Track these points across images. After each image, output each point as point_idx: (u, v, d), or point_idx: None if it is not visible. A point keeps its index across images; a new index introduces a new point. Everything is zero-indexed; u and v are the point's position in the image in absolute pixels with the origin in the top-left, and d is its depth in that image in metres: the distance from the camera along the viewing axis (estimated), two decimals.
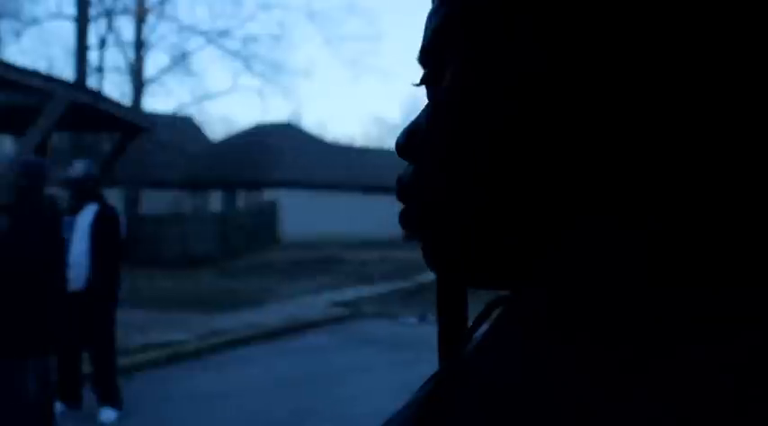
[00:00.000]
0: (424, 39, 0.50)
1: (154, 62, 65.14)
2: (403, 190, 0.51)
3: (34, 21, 35.22)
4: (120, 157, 13.16)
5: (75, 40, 21.82)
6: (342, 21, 67.96)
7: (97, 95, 9.95)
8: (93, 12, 22.46)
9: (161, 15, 29.78)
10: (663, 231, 0.39)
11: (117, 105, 10.40)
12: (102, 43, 23.62)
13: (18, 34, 39.67)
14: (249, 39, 33.15)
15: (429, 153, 0.48)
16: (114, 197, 22.10)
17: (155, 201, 25.73)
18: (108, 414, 6.07)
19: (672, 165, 0.39)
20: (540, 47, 0.42)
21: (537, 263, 0.44)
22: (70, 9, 34.91)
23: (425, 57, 0.50)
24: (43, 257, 4.91)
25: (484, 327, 0.50)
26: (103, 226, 6.13)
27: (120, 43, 31.83)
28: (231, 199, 28.18)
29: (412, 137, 0.51)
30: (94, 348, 6.21)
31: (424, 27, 0.51)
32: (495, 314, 0.50)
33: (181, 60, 25.56)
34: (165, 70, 26.91)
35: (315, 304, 12.66)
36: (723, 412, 0.31)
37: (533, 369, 0.39)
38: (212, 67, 59.95)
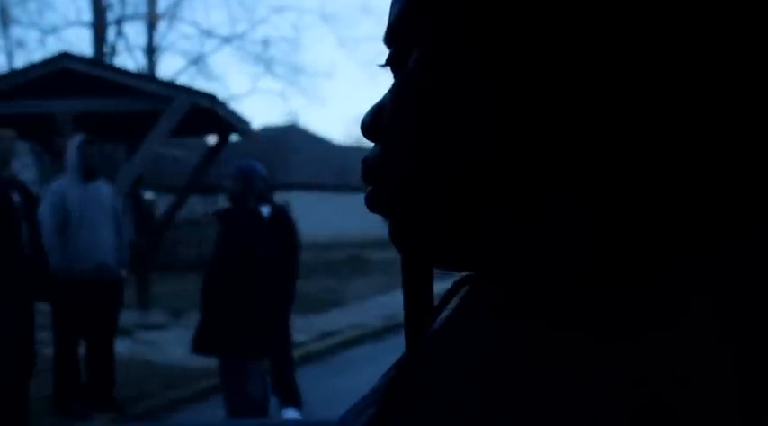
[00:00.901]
0: (389, 20, 0.51)
1: (167, 67, 64.61)
2: (369, 171, 0.51)
3: (53, 29, 34.79)
4: (214, 160, 13.11)
5: (92, 47, 21.62)
6: (355, 22, 67.51)
7: (214, 99, 9.94)
8: (93, 19, 22.25)
9: (173, 19, 29.55)
10: (601, 225, 0.41)
11: (225, 107, 10.41)
12: (113, 50, 23.38)
13: (42, 42, 39.32)
14: (267, 42, 32.93)
15: (394, 134, 0.48)
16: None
17: (166, 205, 25.51)
18: (292, 416, 6.10)
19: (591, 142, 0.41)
20: (506, 28, 0.42)
21: (500, 246, 0.45)
22: (85, 16, 34.56)
23: (391, 38, 0.51)
24: (266, 260, 4.99)
25: (450, 306, 0.52)
26: (281, 228, 6.16)
27: (129, 48, 31.61)
28: (182, 205, 27.99)
29: (377, 118, 0.51)
30: (277, 351, 6.24)
31: (390, 6, 0.51)
32: (460, 293, 0.52)
33: (195, 63, 25.30)
34: (178, 74, 26.64)
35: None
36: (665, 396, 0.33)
37: (495, 350, 0.41)
38: (229, 71, 59.14)
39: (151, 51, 23.93)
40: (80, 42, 40.58)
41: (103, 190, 6.14)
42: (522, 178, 0.43)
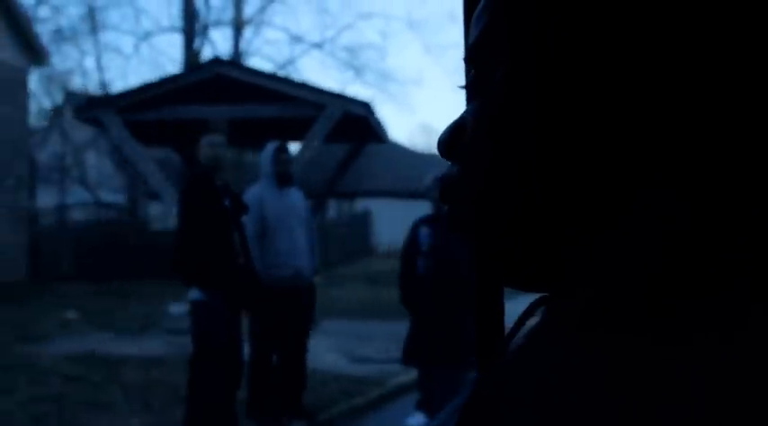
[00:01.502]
0: (470, 39, 0.50)
1: None
2: (447, 190, 0.51)
3: (147, 35, 35.36)
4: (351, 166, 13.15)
5: (183, 53, 21.86)
6: (442, 29, 67.52)
7: (368, 107, 9.96)
8: (184, 25, 22.50)
9: (260, 25, 29.82)
10: (685, 241, 0.41)
11: (375, 115, 10.43)
12: (197, 55, 23.61)
13: (137, 48, 40.14)
14: (354, 49, 32.89)
15: (475, 154, 0.48)
16: None
17: None
18: (418, 420, 5.98)
19: (701, 176, 0.41)
20: (584, 50, 0.43)
21: (576, 266, 0.45)
22: (177, 22, 35.02)
23: (473, 58, 0.50)
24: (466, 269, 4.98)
25: (527, 326, 0.51)
26: None
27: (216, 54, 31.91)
28: (322, 209, 28.13)
29: (455, 137, 0.50)
30: None
31: (471, 26, 0.51)
32: (537, 314, 0.51)
33: (283, 68, 25.45)
34: None
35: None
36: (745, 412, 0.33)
37: (573, 369, 0.40)
38: (316, 77, 58.72)
39: (237, 57, 24.12)
40: (170, 48, 41.31)
41: (296, 196, 6.15)
42: (599, 197, 0.44)
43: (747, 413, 0.33)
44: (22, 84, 17.90)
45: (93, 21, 23.14)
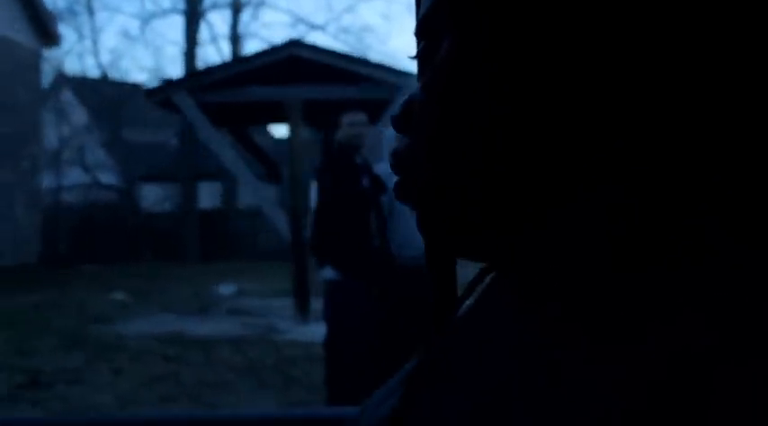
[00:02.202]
0: (420, 13, 0.52)
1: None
2: (398, 162, 0.52)
3: (152, 15, 34.77)
4: None
5: (185, 35, 21.68)
6: None
7: None
8: (186, 7, 22.31)
9: (259, 6, 29.55)
10: (626, 216, 0.42)
11: None
12: (192, 39, 23.43)
13: (142, 31, 39.39)
14: (358, 31, 32.28)
15: (423, 126, 0.49)
16: (214, 191, 22.02)
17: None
18: None
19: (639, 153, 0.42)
20: (534, 23, 0.43)
21: (523, 238, 0.46)
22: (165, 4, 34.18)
23: (421, 31, 0.52)
24: None
25: (474, 295, 0.53)
26: None
27: (214, 37, 31.56)
28: None
29: (407, 111, 0.51)
30: None
31: (420, 1, 0.52)
32: (485, 281, 0.53)
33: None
34: None
35: None
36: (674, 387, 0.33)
37: (519, 337, 0.41)
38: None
39: (235, 39, 23.98)
40: (172, 31, 40.51)
41: None
42: (548, 166, 0.44)
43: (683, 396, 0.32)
44: (35, 66, 17.68)
45: (88, 2, 22.76)
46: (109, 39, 45.20)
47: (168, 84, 9.82)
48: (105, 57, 41.64)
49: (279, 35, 50.28)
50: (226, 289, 10.79)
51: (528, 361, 0.39)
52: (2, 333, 8.42)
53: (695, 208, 0.40)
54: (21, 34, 16.71)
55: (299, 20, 35.02)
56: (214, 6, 24.53)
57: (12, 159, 16.48)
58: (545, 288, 0.43)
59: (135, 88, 24.76)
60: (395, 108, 0.52)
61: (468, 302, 0.53)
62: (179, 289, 12.25)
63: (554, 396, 0.36)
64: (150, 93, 9.38)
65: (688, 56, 0.40)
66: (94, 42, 28.41)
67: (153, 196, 25.27)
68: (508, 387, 0.38)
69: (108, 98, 23.40)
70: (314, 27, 32.38)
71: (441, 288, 0.59)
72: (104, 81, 24.92)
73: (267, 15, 61.81)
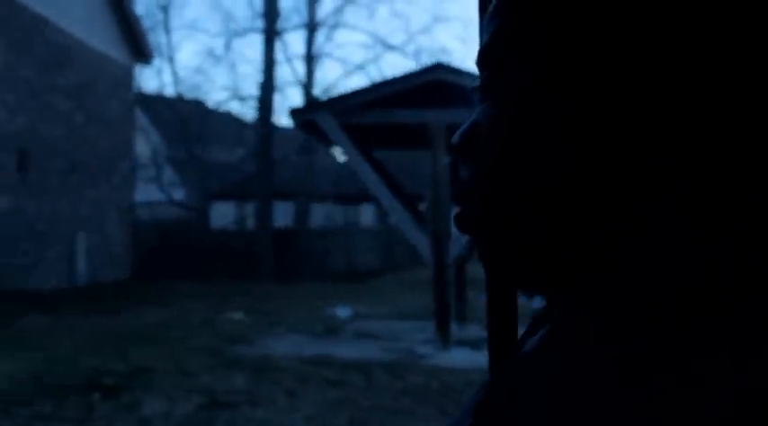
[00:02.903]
0: (481, 44, 0.51)
1: (328, 74, 63.11)
2: (459, 192, 0.51)
3: (234, 34, 34.95)
4: None
5: (263, 54, 21.81)
6: None
7: None
8: (265, 26, 22.46)
9: (334, 27, 29.81)
10: (705, 260, 0.41)
11: None
12: (270, 58, 23.59)
13: (228, 47, 39.40)
14: (434, 52, 32.53)
15: (489, 156, 0.48)
16: (285, 210, 22.07)
17: (312, 215, 25.67)
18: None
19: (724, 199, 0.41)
20: (600, 54, 0.43)
21: (589, 275, 0.45)
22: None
23: (483, 61, 0.51)
24: None
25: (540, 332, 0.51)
26: None
27: (288, 58, 31.81)
28: (385, 213, 28.14)
29: (469, 139, 0.50)
30: None
31: (482, 29, 0.51)
32: (553, 315, 0.50)
33: (362, 69, 25.41)
34: (334, 84, 26.78)
35: None
36: None
37: (586, 371, 0.40)
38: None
39: (310, 59, 24.10)
40: (247, 49, 40.29)
41: None
42: (616, 203, 0.44)
43: None
44: (128, 81, 17.83)
45: (165, 20, 23.02)
46: (184, 58, 45.67)
47: (312, 105, 9.80)
48: (180, 76, 41.84)
49: (354, 55, 50.56)
50: (342, 312, 10.70)
51: (602, 396, 0.38)
52: (152, 351, 8.38)
53: None
54: (114, 50, 16.85)
55: (377, 40, 35.28)
56: (290, 26, 24.57)
57: (106, 175, 16.57)
58: (622, 323, 0.42)
59: (198, 105, 24.95)
60: (455, 136, 0.52)
61: (537, 335, 0.51)
62: (290, 310, 12.18)
63: (647, 418, 0.36)
64: (294, 113, 9.35)
65: (752, 82, 0.41)
66: (170, 60, 28.53)
67: (224, 214, 25.42)
68: (592, 414, 0.38)
69: (181, 116, 23.57)
70: (391, 47, 32.53)
71: (501, 321, 0.57)
72: (179, 99, 25.10)
73: (342, 36, 62.12)
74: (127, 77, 17.60)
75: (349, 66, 36.33)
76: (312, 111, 9.28)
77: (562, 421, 0.39)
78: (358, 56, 48.09)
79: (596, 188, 0.44)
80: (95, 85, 16.07)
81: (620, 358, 0.39)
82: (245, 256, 20.81)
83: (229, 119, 25.85)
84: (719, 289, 0.39)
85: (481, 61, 0.51)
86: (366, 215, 28.76)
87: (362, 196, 28.59)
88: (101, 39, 16.16)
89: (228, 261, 20.64)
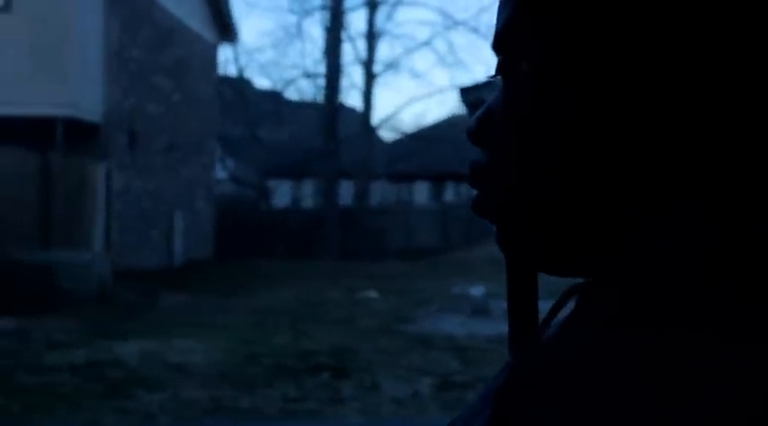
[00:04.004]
0: (497, 27, 0.51)
1: (389, 52, 61.44)
2: (476, 176, 0.52)
3: (308, 12, 34.17)
4: None
5: (326, 34, 21.76)
6: None
7: None
8: (332, 5, 22.38)
9: (396, 5, 29.64)
10: (727, 239, 0.41)
11: None
12: (336, 37, 23.48)
13: (299, 29, 38.18)
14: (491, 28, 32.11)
15: (504, 141, 0.49)
16: (345, 190, 22.09)
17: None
18: None
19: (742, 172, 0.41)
20: (614, 37, 0.43)
21: (610, 255, 0.46)
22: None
23: (499, 46, 0.51)
24: None
25: (560, 315, 0.52)
26: None
27: (350, 37, 31.57)
28: (439, 191, 28.15)
29: (484, 124, 0.51)
30: None
31: (496, 14, 0.51)
32: (570, 302, 0.51)
33: (412, 52, 25.29)
34: (393, 63, 26.70)
35: None
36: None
37: (608, 358, 0.41)
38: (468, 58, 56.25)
39: (371, 37, 24.02)
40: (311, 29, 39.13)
41: None
42: (632, 188, 0.44)
43: None
44: (215, 61, 17.82)
45: None
46: (248, 37, 44.72)
47: (483, 83, 9.74)
48: (245, 56, 41.33)
49: (416, 32, 49.55)
50: (476, 290, 10.74)
51: (623, 383, 0.39)
52: (332, 331, 8.45)
53: None
54: (206, 30, 16.83)
55: (446, 16, 34.55)
56: (351, 5, 24.44)
57: (196, 153, 16.62)
58: (644, 302, 0.42)
59: (246, 83, 24.79)
60: (470, 121, 0.52)
61: (558, 318, 0.52)
62: (417, 289, 12.24)
63: (669, 405, 0.36)
64: (464, 92, 9.34)
65: None
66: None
67: (280, 193, 25.45)
68: (615, 400, 0.38)
69: (245, 95, 23.54)
70: (457, 23, 32.24)
71: (521, 305, 0.57)
72: (241, 79, 25.06)
73: (403, 13, 60.86)
74: (213, 57, 17.60)
75: (411, 43, 35.74)
76: (481, 89, 9.27)
77: (583, 407, 0.40)
78: (420, 33, 47.08)
79: (608, 172, 0.44)
80: (189, 65, 16.08)
81: (640, 344, 0.40)
82: (306, 234, 20.89)
83: (268, 97, 25.69)
84: (734, 276, 0.40)
85: (496, 46, 0.51)
86: (420, 193, 28.76)
87: (416, 174, 28.63)
88: (195, 18, 16.14)
89: (291, 240, 20.73)
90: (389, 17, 40.27)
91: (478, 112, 0.51)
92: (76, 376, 6.38)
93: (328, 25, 22.37)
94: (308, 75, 24.98)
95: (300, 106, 25.15)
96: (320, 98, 23.63)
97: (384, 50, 62.05)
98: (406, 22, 46.80)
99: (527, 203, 0.48)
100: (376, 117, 34.14)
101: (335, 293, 11.69)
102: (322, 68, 23.81)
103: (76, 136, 11.73)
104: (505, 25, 0.49)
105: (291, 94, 31.97)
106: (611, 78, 0.43)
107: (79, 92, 11.68)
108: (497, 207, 0.50)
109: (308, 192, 25.87)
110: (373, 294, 11.25)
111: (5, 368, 6.61)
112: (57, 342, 7.65)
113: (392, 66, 27.57)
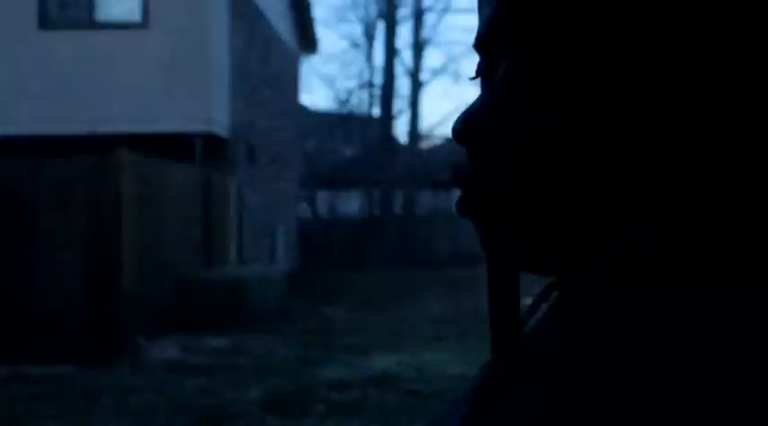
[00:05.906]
0: (478, 28, 0.51)
1: (434, 60, 59.25)
2: (459, 176, 0.52)
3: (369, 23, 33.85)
4: None
5: (384, 43, 21.81)
6: None
7: None
8: (387, 16, 22.40)
9: (444, 12, 29.66)
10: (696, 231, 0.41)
11: None
12: (391, 48, 23.53)
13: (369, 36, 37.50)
14: None
15: (486, 140, 0.49)
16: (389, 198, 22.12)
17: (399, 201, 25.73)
18: None
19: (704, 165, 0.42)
20: (593, 40, 0.43)
21: (589, 252, 0.46)
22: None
23: (480, 46, 0.51)
24: None
25: (541, 310, 0.53)
26: None
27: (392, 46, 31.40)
28: None
29: (468, 124, 0.50)
30: None
31: (477, 15, 0.52)
32: (552, 297, 0.52)
33: (456, 60, 25.32)
34: (439, 70, 26.76)
35: None
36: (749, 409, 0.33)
37: (587, 348, 0.41)
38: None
39: (417, 46, 24.10)
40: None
41: None
42: (609, 185, 0.44)
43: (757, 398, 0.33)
44: (297, 72, 17.78)
45: None
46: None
47: None
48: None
49: (463, 39, 49.24)
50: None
51: (609, 369, 0.39)
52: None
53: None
54: (292, 41, 16.82)
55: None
56: (400, 16, 24.43)
57: (287, 166, 16.60)
58: (619, 299, 0.43)
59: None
60: (455, 121, 0.52)
61: (536, 316, 0.53)
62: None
63: (641, 400, 0.36)
64: None
65: (746, 83, 0.41)
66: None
67: (331, 203, 25.38)
68: (589, 395, 0.39)
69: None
70: None
71: (503, 305, 0.59)
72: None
73: (448, 21, 59.65)
74: (296, 68, 17.57)
75: (458, 48, 35.53)
76: None
77: (562, 400, 0.40)
78: (467, 38, 46.26)
79: (588, 174, 0.45)
80: (283, 77, 16.08)
81: (618, 337, 0.40)
82: (357, 244, 20.86)
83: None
84: (715, 268, 0.40)
85: (477, 46, 0.51)
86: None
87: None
88: (285, 30, 16.13)
89: (349, 250, 20.69)
90: (436, 25, 39.78)
91: (462, 113, 0.51)
92: (380, 390, 6.38)
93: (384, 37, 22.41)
94: (367, 85, 24.91)
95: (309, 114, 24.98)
96: (365, 109, 23.64)
97: (430, 58, 61.02)
98: (451, 29, 46.38)
99: (510, 203, 0.48)
100: (423, 124, 33.79)
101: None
102: (378, 79, 23.82)
103: (209, 150, 11.70)
104: (484, 25, 0.50)
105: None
106: (590, 76, 0.44)
107: (216, 106, 11.67)
108: (480, 207, 0.50)
109: (346, 201, 25.84)
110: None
111: (290, 385, 6.57)
112: (301, 358, 7.63)
113: (438, 72, 27.59)
